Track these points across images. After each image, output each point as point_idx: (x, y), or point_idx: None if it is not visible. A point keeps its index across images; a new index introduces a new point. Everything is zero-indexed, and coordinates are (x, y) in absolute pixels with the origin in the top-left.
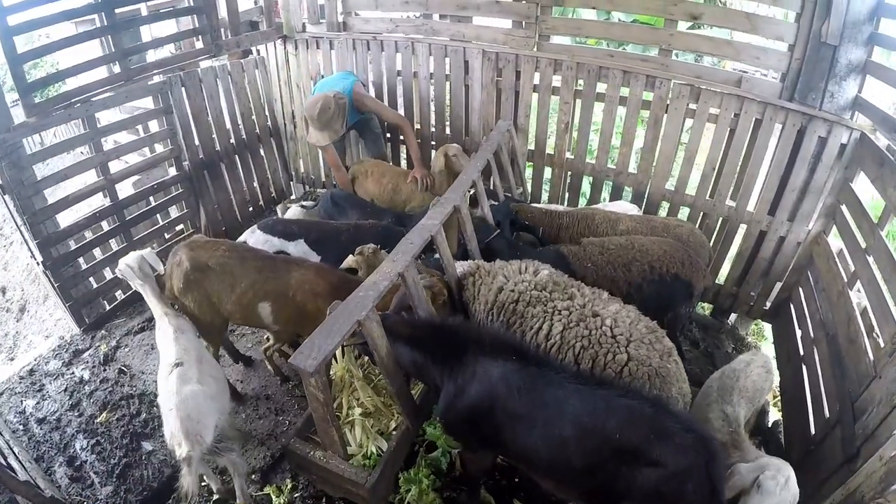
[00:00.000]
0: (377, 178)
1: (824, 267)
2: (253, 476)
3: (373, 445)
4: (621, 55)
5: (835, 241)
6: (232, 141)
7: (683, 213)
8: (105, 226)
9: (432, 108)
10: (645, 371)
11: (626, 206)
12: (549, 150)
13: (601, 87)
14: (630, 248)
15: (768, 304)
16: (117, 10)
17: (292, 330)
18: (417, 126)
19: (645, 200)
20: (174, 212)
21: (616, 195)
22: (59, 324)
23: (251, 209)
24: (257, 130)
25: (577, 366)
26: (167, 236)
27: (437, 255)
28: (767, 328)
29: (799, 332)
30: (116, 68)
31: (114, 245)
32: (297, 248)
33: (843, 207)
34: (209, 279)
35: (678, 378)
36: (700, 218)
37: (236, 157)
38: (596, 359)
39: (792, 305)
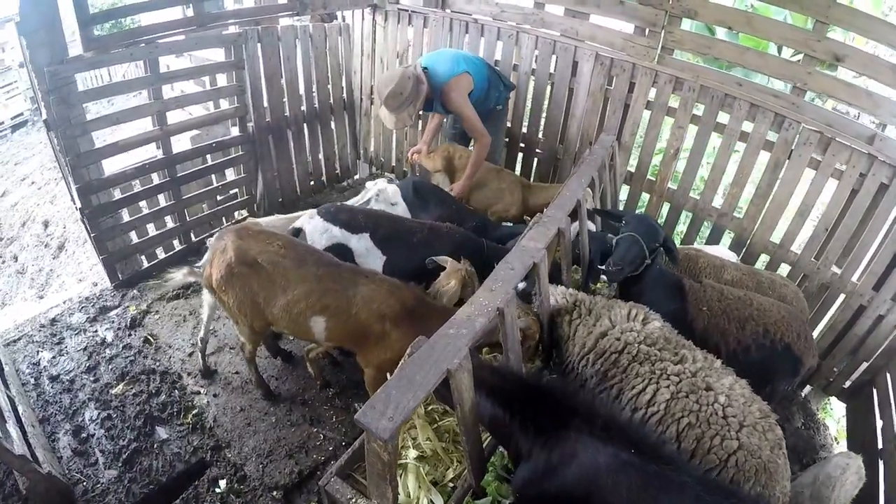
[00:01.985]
0: (465, 167)
1: None
2: (275, 493)
3: (425, 499)
4: (750, 86)
5: None
6: (303, 108)
7: (783, 270)
8: (155, 179)
9: (528, 106)
10: (754, 464)
11: (724, 252)
12: (651, 175)
13: (723, 118)
14: (748, 304)
15: (847, 383)
16: None
17: (347, 348)
18: (508, 124)
19: (744, 249)
20: (230, 174)
21: (714, 238)
22: (94, 269)
23: (312, 183)
24: (331, 101)
25: (679, 444)
26: (219, 198)
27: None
28: (834, 403)
29: (880, 423)
30: (189, 11)
31: (161, 200)
32: (361, 244)
33: None
34: (256, 277)
35: (784, 475)
36: (799, 279)
37: (305, 125)
38: (701, 439)
39: (875, 390)
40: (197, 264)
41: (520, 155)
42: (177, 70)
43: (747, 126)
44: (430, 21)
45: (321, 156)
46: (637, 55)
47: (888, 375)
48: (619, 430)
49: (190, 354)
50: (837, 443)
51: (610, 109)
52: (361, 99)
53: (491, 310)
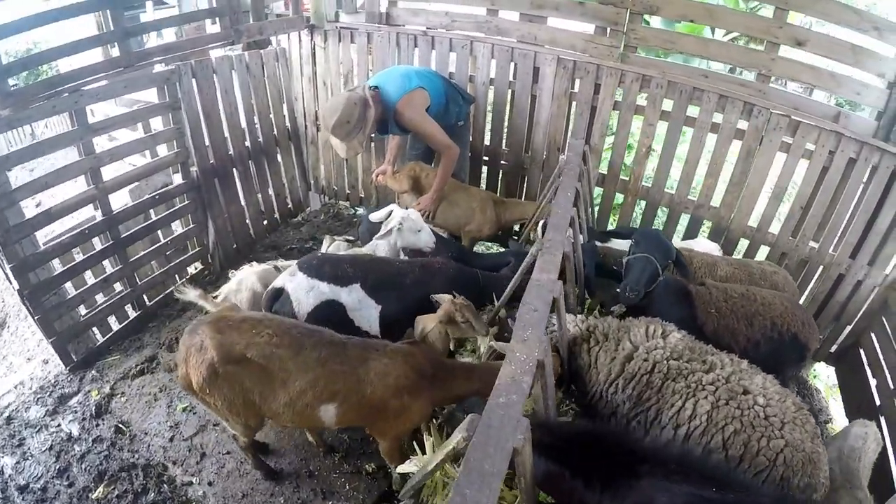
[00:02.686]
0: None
1: None
2: None
3: None
4: (717, 77)
5: None
6: (247, 144)
7: (762, 251)
8: (97, 244)
9: (488, 118)
10: (800, 458)
11: (708, 245)
12: (624, 175)
13: (692, 111)
14: (753, 300)
15: (834, 348)
16: None
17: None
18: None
19: (724, 236)
20: (178, 227)
21: (693, 229)
22: (41, 344)
23: (265, 222)
24: (275, 132)
25: (726, 452)
26: (169, 254)
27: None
28: (818, 368)
29: (874, 382)
30: (115, 51)
31: (107, 266)
32: (353, 296)
33: None
34: (248, 374)
35: (825, 462)
36: (779, 258)
37: (251, 162)
38: (749, 443)
39: (863, 352)
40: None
41: (484, 169)
42: (106, 119)
43: (717, 117)
44: (374, 38)
45: (271, 192)
46: (600, 55)
47: (872, 335)
48: (694, 469)
49: (171, 439)
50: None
51: (576, 112)
52: (306, 126)
53: (532, 365)
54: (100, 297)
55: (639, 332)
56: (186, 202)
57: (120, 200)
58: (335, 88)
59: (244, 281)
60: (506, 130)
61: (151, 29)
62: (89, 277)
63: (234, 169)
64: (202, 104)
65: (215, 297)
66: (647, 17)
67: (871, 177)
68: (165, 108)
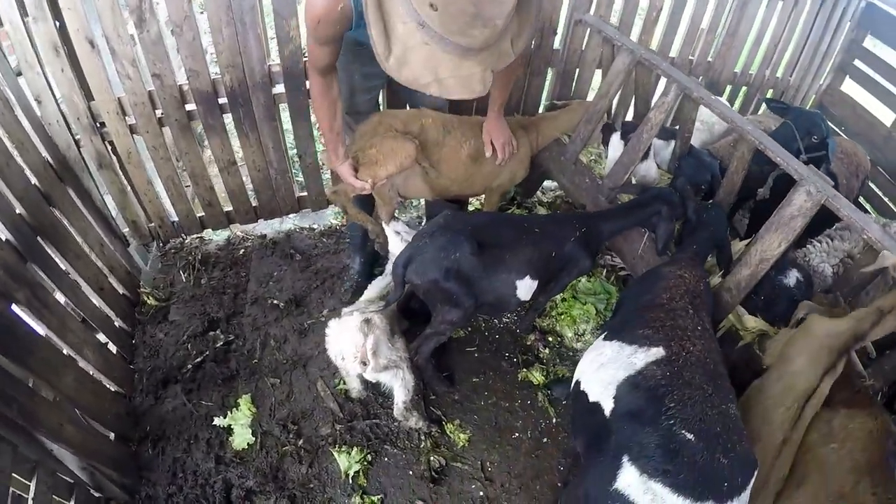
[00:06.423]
0: (454, 138)
1: (849, 114)
2: None
3: None
4: None
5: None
6: (3, 236)
7: (742, 93)
8: None
9: None
10: None
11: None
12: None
13: None
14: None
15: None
16: None
17: None
18: None
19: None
20: None
21: None
22: None
23: (116, 352)
24: (36, 182)
25: None
26: None
27: None
28: None
29: None
30: None
31: None
32: None
33: (857, 62)
34: None
35: None
36: (754, 95)
37: (32, 266)
38: None
39: None
40: None
41: None
42: None
43: None
44: None
45: (86, 291)
46: None
47: None
48: None
49: None
50: None
51: None
52: (79, 143)
53: None
54: None
55: None
56: None
57: None
58: (121, 47)
59: None
60: None
61: None
62: None
63: (13, 301)
64: None
65: None
66: None
67: (821, 6)
68: None
